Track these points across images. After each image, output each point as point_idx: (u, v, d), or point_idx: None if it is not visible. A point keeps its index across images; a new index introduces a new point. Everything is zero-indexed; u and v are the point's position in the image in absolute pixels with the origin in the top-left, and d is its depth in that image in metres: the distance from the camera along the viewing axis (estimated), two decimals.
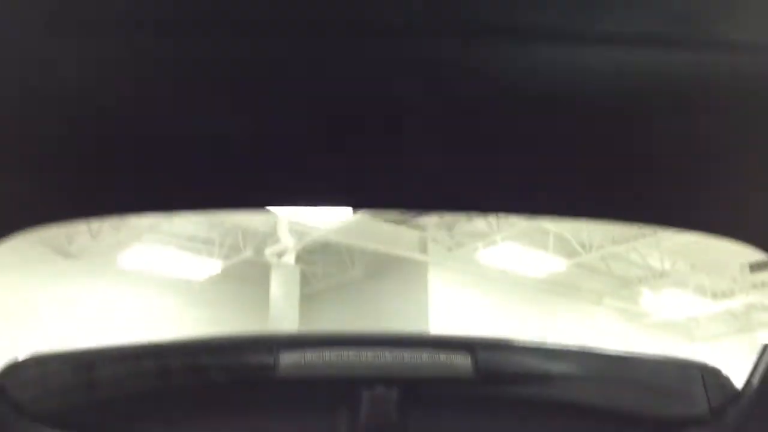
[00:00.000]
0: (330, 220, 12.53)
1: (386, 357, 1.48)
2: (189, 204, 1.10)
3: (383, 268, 15.34)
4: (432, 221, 14.57)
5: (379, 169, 0.99)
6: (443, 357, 1.49)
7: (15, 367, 1.46)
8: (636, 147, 0.93)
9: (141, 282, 14.03)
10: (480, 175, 0.99)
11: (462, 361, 1.48)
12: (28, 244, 13.43)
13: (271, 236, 13.95)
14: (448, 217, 14.52)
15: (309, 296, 15.24)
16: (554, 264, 14.31)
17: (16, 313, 12.26)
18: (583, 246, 14.51)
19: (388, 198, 1.09)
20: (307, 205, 1.18)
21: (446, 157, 0.94)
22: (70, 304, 13.33)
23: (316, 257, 15.87)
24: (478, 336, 1.62)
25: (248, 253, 14.39)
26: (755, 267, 13.63)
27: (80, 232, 13.69)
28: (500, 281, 14.77)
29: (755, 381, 1.46)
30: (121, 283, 13.88)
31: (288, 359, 1.47)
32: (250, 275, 14.78)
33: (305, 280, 15.10)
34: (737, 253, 13.26)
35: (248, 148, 0.96)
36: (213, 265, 14.33)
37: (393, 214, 13.97)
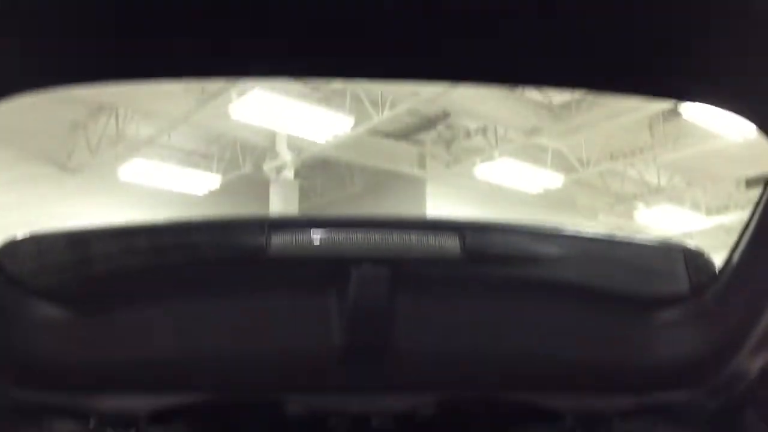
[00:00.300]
0: (329, 136, 12.48)
1: (375, 238, 1.51)
2: (184, 70, 1.10)
3: (382, 183, 15.38)
4: (431, 137, 14.54)
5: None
6: (432, 238, 1.52)
7: (13, 244, 1.52)
8: (637, 17, 0.97)
9: (141, 196, 14.08)
10: (481, 42, 1.02)
11: (450, 242, 1.51)
12: (27, 159, 13.44)
13: (270, 151, 13.94)
14: (447, 133, 14.48)
15: (308, 211, 15.32)
16: (551, 180, 14.36)
17: (16, 227, 12.32)
18: (580, 162, 14.53)
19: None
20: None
21: (445, 26, 0.97)
22: (71, 217, 13.40)
23: (315, 173, 15.89)
24: (466, 218, 1.66)
25: (247, 168, 14.41)
26: (751, 182, 13.65)
27: (79, 146, 13.69)
28: (497, 197, 14.84)
29: (734, 260, 1.52)
30: (122, 196, 13.93)
31: (279, 240, 1.49)
32: (249, 190, 14.81)
33: (304, 195, 15.15)
34: (734, 168, 13.31)
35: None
36: (212, 180, 14.37)
37: (392, 130, 13.93)
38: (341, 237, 1.50)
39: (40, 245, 1.56)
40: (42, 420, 1.76)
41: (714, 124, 11.82)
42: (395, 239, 1.51)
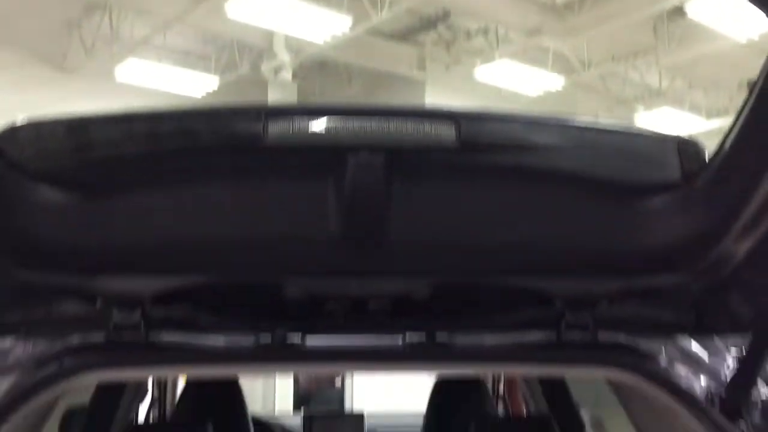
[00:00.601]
0: (327, 36, 12.28)
1: (372, 126, 1.51)
2: None
3: (381, 85, 15.25)
4: (431, 38, 14.32)
5: None
6: (428, 126, 1.52)
7: (12, 130, 1.53)
8: None
9: (139, 97, 13.95)
10: None
11: (446, 131, 1.52)
12: (22, 60, 13.27)
13: (268, 52, 13.76)
14: (447, 34, 14.25)
15: None
16: (552, 82, 14.23)
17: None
18: (582, 63, 14.36)
19: None
20: None
21: None
22: None
23: (313, 74, 15.73)
24: (462, 107, 1.67)
25: (245, 69, 14.25)
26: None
27: (74, 46, 13.49)
28: (497, 99, 14.74)
29: (725, 147, 1.55)
30: (119, 97, 13.81)
31: (276, 127, 1.49)
32: (247, 91, 14.70)
33: (302, 96, 15.03)
34: (736, 71, 13.17)
35: None
36: (210, 81, 14.23)
37: (391, 30, 13.70)
38: (338, 125, 1.51)
39: (39, 130, 1.57)
40: (49, 301, 1.82)
41: (719, 25, 11.62)
42: (391, 127, 1.52)
